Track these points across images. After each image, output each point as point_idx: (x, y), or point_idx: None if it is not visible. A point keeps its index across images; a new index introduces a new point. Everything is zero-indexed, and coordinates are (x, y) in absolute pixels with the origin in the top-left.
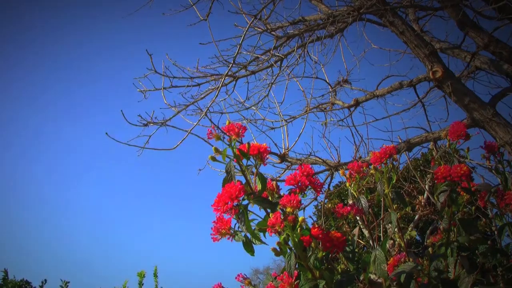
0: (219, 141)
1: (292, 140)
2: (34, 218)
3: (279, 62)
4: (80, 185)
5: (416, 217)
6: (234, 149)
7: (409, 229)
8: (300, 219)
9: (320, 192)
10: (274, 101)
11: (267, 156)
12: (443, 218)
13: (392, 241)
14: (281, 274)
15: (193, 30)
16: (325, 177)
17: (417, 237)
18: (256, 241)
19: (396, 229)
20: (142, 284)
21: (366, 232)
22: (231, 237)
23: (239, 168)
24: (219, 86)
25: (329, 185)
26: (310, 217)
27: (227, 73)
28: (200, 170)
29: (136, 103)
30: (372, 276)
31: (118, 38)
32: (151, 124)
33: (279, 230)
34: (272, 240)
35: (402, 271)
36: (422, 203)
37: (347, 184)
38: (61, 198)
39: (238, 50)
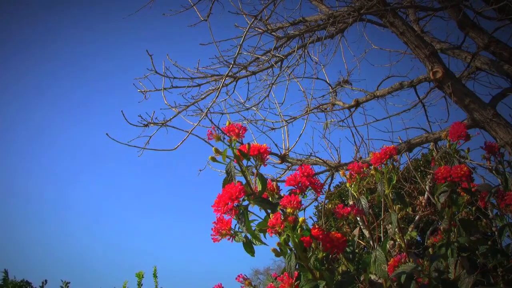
0: (220, 141)
1: (293, 141)
2: (34, 218)
3: (279, 63)
4: (80, 185)
5: (417, 217)
6: (234, 150)
7: (410, 229)
8: (300, 219)
9: (321, 193)
10: (274, 102)
11: (267, 157)
12: (443, 219)
13: (392, 242)
14: (282, 275)
15: (193, 31)
16: (325, 178)
17: (418, 238)
18: (257, 242)
19: (396, 230)
20: (141, 285)
21: (366, 233)
22: (231, 238)
23: (239, 168)
24: (219, 87)
25: (329, 185)
26: (311, 217)
27: (228, 73)
28: (200, 170)
29: (136, 104)
30: (373, 277)
31: (119, 38)
32: (152, 125)
33: (280, 230)
34: (272, 240)
35: (402, 272)
36: (423, 204)
37: (348, 185)
38: (61, 198)
39: (239, 50)
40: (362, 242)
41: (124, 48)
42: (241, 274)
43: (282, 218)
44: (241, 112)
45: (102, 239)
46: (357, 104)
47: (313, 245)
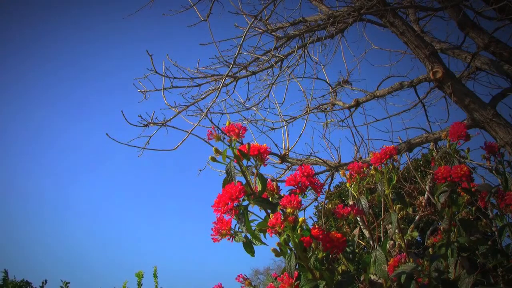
0: (219, 141)
1: (293, 141)
2: (34, 218)
3: (279, 63)
4: (80, 185)
5: (417, 217)
6: (234, 150)
7: (410, 229)
8: (300, 219)
9: (321, 193)
10: (274, 102)
11: (267, 157)
12: (443, 219)
13: (392, 242)
14: (282, 275)
15: (193, 31)
16: (325, 178)
17: (418, 238)
18: (257, 242)
19: (396, 230)
20: (141, 285)
21: (366, 233)
22: (231, 238)
23: (239, 168)
24: (219, 87)
25: (329, 185)
26: (311, 217)
27: (228, 73)
28: (200, 170)
29: (136, 104)
30: (373, 277)
31: (119, 38)
32: (152, 125)
33: (280, 230)
34: (272, 240)
35: (402, 272)
36: (423, 204)
37: (348, 185)
38: (61, 198)
39: (239, 50)
40: (362, 242)
41: (124, 48)
42: (241, 274)
43: (282, 218)
44: (241, 112)
45: (102, 239)
46: (357, 104)
47: (313, 245)
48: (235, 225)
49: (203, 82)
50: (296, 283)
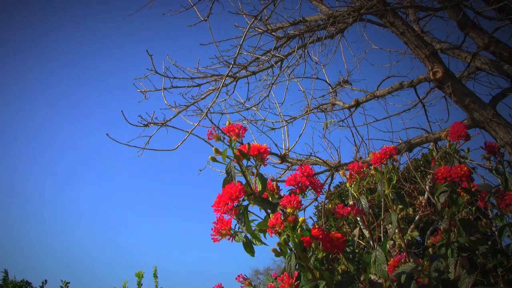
0: (219, 141)
1: (293, 141)
2: (34, 218)
3: (279, 63)
4: (80, 185)
5: (417, 217)
6: (234, 150)
7: (410, 230)
8: (300, 219)
9: (321, 193)
10: (274, 102)
11: (267, 157)
12: (443, 219)
13: (392, 242)
14: (282, 275)
15: (193, 31)
16: (325, 178)
17: (418, 238)
18: (256, 242)
19: (396, 230)
20: (141, 285)
21: (366, 233)
22: (231, 238)
23: (239, 168)
24: (219, 87)
25: (329, 185)
26: (311, 217)
27: (228, 73)
28: (200, 170)
29: (136, 104)
30: (373, 277)
31: (119, 38)
32: (152, 125)
33: (280, 230)
34: (272, 240)
35: (402, 272)
36: (423, 204)
37: (348, 185)
38: (61, 198)
39: (239, 50)
40: (362, 242)
41: (124, 48)
42: (241, 274)
43: (282, 218)
44: (241, 112)
45: (102, 239)
46: (357, 104)
47: (313, 245)
48: (235, 225)
49: (203, 82)
50: (296, 283)
